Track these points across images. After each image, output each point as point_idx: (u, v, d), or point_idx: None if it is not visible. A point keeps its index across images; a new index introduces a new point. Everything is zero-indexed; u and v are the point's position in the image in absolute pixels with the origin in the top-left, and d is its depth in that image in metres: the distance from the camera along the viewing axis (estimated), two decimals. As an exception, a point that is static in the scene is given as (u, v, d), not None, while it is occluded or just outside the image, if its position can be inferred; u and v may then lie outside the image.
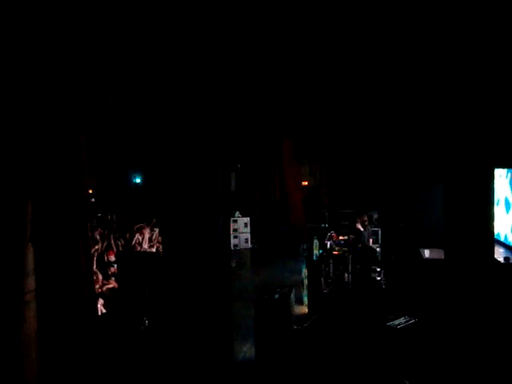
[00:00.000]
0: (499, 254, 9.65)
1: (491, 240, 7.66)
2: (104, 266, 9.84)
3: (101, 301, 8.40)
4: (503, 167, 10.24)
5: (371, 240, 13.03)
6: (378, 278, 11.19)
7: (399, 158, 15.27)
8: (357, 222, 12.43)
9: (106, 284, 9.21)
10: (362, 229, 12.46)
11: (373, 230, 14.03)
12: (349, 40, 11.30)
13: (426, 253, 11.28)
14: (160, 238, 12.11)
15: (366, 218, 12.89)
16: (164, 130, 7.02)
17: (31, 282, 5.66)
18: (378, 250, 13.54)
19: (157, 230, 13.30)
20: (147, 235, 12.99)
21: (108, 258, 10.46)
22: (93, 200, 17.64)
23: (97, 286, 8.51)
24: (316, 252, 10.72)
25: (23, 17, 5.47)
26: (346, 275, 11.21)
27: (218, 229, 6.98)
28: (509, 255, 9.46)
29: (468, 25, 7.18)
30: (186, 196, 6.84)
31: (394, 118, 14.94)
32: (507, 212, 10.38)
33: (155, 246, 12.27)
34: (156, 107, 7.25)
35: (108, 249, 11.09)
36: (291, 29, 11.21)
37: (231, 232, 14.44)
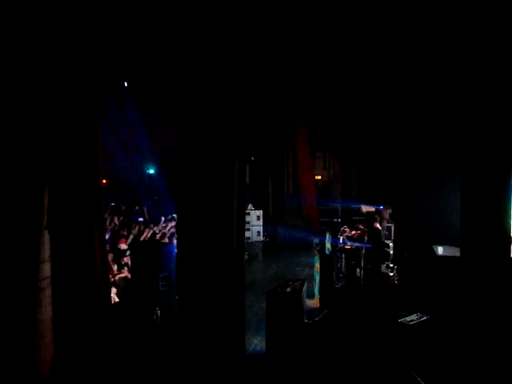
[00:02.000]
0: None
1: (508, 238, 7.61)
2: (117, 256, 9.89)
3: (114, 290, 8.45)
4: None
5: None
6: (391, 274, 11.16)
7: (416, 153, 15.15)
8: (375, 221, 12.32)
9: (119, 273, 9.27)
10: (379, 227, 12.36)
11: (386, 226, 13.99)
12: (369, 29, 11.24)
13: (440, 250, 11.21)
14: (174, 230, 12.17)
15: (387, 216, 12.81)
16: (180, 123, 7.01)
17: (47, 269, 5.72)
18: (390, 245, 13.49)
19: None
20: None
21: (119, 246, 10.52)
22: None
23: (110, 276, 8.56)
24: (328, 246, 10.69)
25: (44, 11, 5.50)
26: (358, 270, 11.19)
27: (232, 221, 6.99)
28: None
29: (491, 24, 7.12)
30: (201, 188, 6.85)
31: (413, 112, 14.82)
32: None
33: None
34: (173, 100, 7.24)
35: (120, 237, 11.15)
36: (307, 20, 11.20)
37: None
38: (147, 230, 12.35)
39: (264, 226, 17.50)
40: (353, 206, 16.52)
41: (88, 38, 6.08)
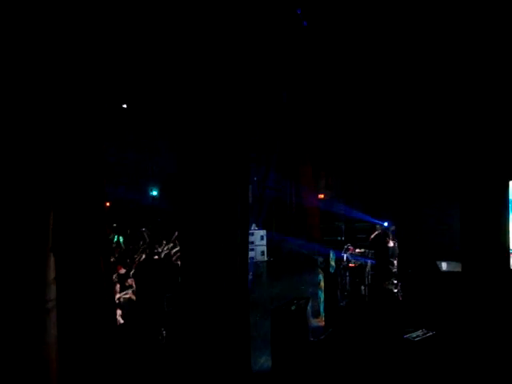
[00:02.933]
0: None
1: (507, 251, 7.66)
2: (121, 278, 9.89)
3: (118, 311, 8.46)
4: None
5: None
6: (395, 291, 11.15)
7: (416, 171, 15.29)
8: (388, 238, 12.38)
9: (124, 294, 9.28)
10: (391, 244, 12.41)
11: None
12: (365, 60, 11.54)
13: (443, 265, 11.23)
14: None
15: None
16: (182, 143, 7.10)
17: (52, 291, 5.74)
18: (395, 262, 13.51)
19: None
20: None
21: (118, 272, 10.46)
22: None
23: (117, 296, 8.58)
24: (332, 264, 10.72)
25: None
26: (363, 288, 11.19)
27: (236, 241, 7.04)
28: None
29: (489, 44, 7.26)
30: (204, 209, 6.90)
31: (413, 132, 15.00)
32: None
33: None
34: (175, 120, 7.34)
35: (118, 263, 11.11)
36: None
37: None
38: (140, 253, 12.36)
39: (268, 245, 17.55)
40: (356, 224, 16.57)
41: (92, 62, 6.20)
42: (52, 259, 5.78)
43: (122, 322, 8.49)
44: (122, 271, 10.37)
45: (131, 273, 10.26)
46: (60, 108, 5.78)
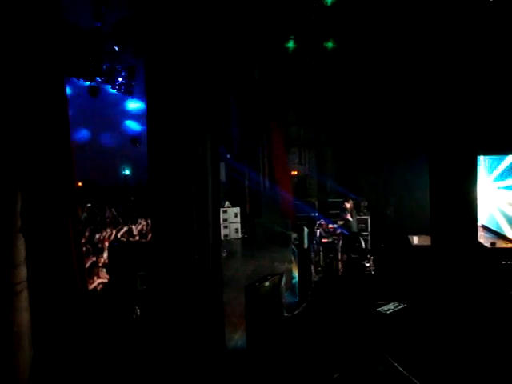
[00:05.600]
0: (485, 239, 9.86)
1: (475, 226, 7.82)
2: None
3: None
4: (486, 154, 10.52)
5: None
6: (367, 265, 11.31)
7: (387, 146, 15.44)
8: (345, 211, 12.72)
9: (98, 279, 9.13)
10: (350, 218, 12.71)
11: (362, 218, 14.20)
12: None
13: (415, 239, 11.41)
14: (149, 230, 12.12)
15: (350, 205, 13.08)
16: (152, 125, 6.96)
17: (23, 273, 5.67)
18: (368, 238, 13.79)
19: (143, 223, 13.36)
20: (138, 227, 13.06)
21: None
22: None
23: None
24: (306, 241, 10.80)
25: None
26: (336, 263, 11.33)
27: (207, 218, 7.01)
28: (495, 240, 9.70)
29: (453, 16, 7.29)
30: (175, 187, 6.85)
31: (383, 105, 15.10)
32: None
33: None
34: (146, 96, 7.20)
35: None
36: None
37: (221, 222, 14.46)
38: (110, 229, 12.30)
39: (241, 222, 17.58)
40: (329, 200, 16.66)
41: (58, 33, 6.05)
42: (22, 240, 5.69)
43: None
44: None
45: (101, 258, 10.00)
46: (22, 85, 5.63)
